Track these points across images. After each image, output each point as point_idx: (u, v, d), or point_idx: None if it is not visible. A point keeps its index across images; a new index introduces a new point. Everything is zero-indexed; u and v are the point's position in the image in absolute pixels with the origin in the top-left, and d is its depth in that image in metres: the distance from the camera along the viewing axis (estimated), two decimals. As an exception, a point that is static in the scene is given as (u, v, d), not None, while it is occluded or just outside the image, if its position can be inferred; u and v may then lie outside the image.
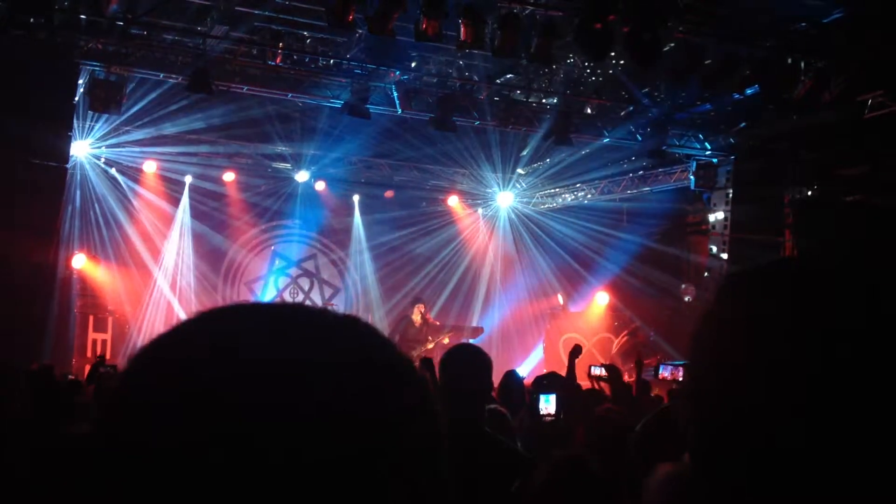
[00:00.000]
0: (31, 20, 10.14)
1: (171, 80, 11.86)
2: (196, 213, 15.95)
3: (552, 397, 4.28)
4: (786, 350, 0.84)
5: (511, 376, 6.35)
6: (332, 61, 12.05)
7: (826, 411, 0.82)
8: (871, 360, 0.81)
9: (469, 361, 3.48)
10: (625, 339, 15.81)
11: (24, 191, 10.19)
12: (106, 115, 12.78)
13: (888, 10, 9.54)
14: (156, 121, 13.67)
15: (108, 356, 12.46)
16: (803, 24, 10.26)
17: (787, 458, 0.82)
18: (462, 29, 9.73)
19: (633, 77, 12.47)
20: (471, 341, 15.27)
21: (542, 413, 4.30)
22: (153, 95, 12.84)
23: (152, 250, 15.49)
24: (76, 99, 11.60)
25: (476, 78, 12.74)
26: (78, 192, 14.29)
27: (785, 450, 0.82)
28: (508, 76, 12.86)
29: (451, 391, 3.31)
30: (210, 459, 0.60)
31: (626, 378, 8.40)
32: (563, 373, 6.31)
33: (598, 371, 8.74)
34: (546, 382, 4.55)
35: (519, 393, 6.07)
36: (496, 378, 6.28)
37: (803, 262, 0.97)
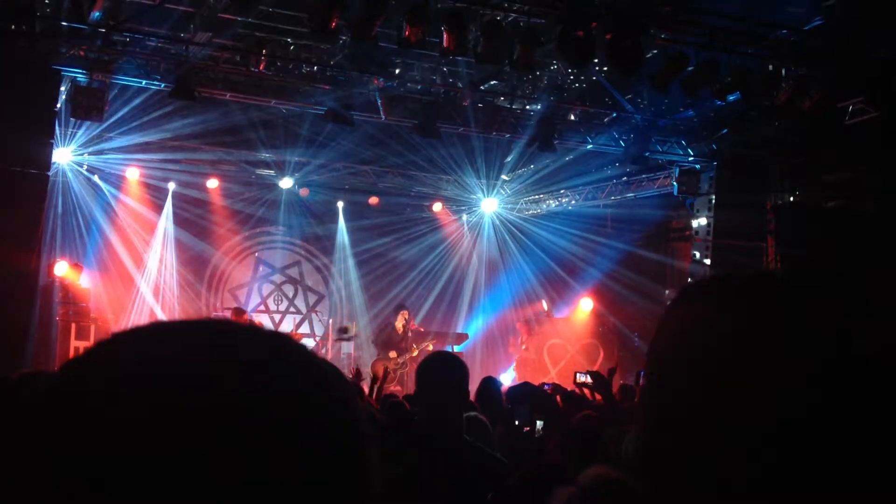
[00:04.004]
0: (12, 27, 10.09)
1: (153, 87, 11.83)
2: (179, 220, 15.89)
3: (526, 408, 4.28)
4: (730, 360, 0.85)
5: (489, 383, 6.35)
6: (315, 68, 12.03)
7: (780, 422, 0.82)
8: (812, 370, 0.82)
9: (444, 369, 3.47)
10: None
11: (5, 198, 10.11)
12: (88, 122, 12.71)
13: (867, 17, 9.63)
14: (138, 127, 13.63)
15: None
16: (784, 31, 10.35)
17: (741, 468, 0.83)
18: (445, 36, 9.72)
19: (617, 84, 12.52)
20: (455, 348, 15.27)
21: (517, 424, 4.30)
22: (136, 102, 12.80)
23: (135, 258, 15.41)
24: (58, 106, 11.52)
25: (460, 84, 12.75)
26: (60, 200, 14.22)
27: (733, 465, 0.83)
28: (492, 83, 12.87)
29: (427, 399, 3.31)
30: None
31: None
32: (544, 378, 6.31)
33: (583, 378, 8.74)
34: (520, 392, 4.55)
35: (498, 400, 6.06)
36: (474, 384, 6.30)
37: (754, 275, 0.97)
